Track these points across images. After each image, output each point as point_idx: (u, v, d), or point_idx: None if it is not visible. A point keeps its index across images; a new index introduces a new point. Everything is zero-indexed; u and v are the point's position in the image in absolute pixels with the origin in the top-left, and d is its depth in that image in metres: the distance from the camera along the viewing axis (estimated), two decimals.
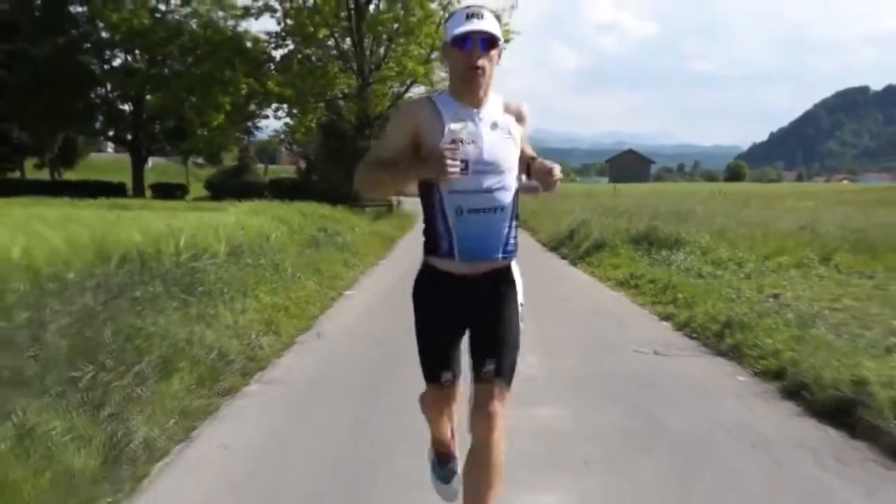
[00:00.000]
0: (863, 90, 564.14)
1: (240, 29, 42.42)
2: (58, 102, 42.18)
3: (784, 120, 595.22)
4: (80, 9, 46.56)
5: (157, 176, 61.96)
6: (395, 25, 36.39)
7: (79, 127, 48.39)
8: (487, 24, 3.00)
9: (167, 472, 4.29)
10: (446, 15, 32.57)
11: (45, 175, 59.07)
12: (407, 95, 37.92)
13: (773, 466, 4.62)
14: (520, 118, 3.23)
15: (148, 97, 45.23)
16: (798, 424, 5.43)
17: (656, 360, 7.49)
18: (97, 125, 49.26)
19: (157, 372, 5.15)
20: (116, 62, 47.00)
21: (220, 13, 43.69)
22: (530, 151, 3.32)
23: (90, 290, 5.44)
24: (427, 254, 3.22)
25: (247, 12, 38.47)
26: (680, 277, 12.28)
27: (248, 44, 40.40)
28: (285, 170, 77.54)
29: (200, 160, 67.34)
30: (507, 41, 34.82)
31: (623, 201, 36.49)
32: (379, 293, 11.66)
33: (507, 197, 3.12)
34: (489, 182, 3.06)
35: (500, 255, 3.16)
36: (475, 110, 3.08)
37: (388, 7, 36.48)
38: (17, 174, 55.88)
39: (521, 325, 3.27)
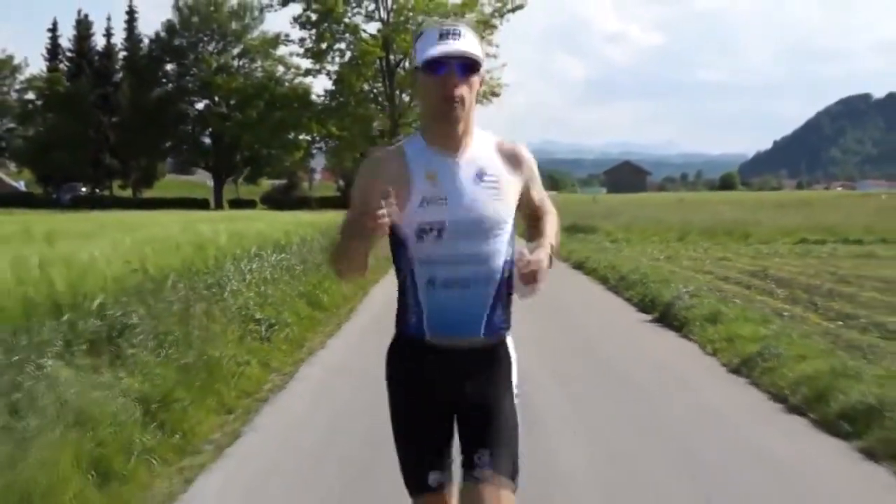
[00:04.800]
0: (865, 98, 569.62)
1: (296, 82, 55.90)
2: (159, 138, 55.68)
3: (790, 128, 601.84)
4: (171, 65, 60.32)
5: (206, 193, 74.83)
6: None
7: (174, 156, 62.15)
8: (466, 45, 2.43)
9: (372, 291, 16.35)
10: None
11: (125, 193, 71.94)
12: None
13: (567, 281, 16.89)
14: (516, 162, 2.59)
15: (240, 137, 58.70)
16: (569, 270, 17.72)
17: None
18: (189, 156, 63.42)
19: None
20: (199, 105, 61.28)
21: (281, 68, 57.60)
22: (541, 208, 2.72)
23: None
24: (397, 325, 2.64)
25: (308, 72, 51.56)
26: (575, 243, 24.47)
27: (311, 96, 53.67)
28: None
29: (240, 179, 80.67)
30: (494, 95, 47.50)
31: (591, 208, 48.47)
32: None
33: (492, 266, 2.51)
34: (470, 249, 2.47)
35: (483, 334, 2.54)
36: (453, 157, 2.50)
37: (413, 69, 49.05)
38: (106, 192, 68.77)
39: (517, 416, 2.64)
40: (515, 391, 2.67)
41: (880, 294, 12.95)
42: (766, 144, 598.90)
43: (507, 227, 2.56)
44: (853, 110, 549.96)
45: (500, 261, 2.53)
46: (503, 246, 2.55)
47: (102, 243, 8.89)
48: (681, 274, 15.38)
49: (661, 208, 47.58)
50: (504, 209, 2.54)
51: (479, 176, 2.51)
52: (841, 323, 9.85)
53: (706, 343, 8.42)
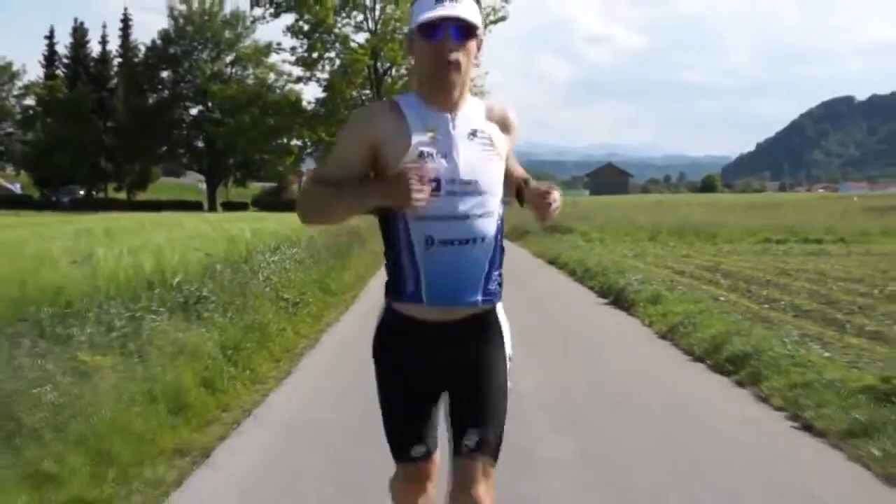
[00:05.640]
0: (847, 100, 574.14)
1: (287, 88, 58.47)
2: (155, 143, 57.95)
3: (773, 130, 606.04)
4: (166, 72, 62.73)
5: (197, 194, 76.84)
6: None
7: (169, 160, 64.57)
8: (463, 9, 2.44)
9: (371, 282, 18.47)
10: None
11: (119, 195, 73.74)
12: None
13: (540, 273, 18.91)
14: (505, 127, 2.64)
15: (234, 142, 61.06)
16: (543, 265, 19.76)
17: (515, 262, 21.81)
18: (184, 160, 65.84)
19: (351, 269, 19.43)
20: (193, 111, 63.75)
21: (272, 75, 60.26)
22: (520, 170, 2.78)
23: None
24: (388, 296, 2.67)
25: (299, 80, 53.99)
26: (551, 242, 26.55)
27: (302, 103, 56.04)
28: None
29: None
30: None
31: (570, 209, 50.47)
32: None
33: (487, 225, 2.53)
34: (466, 206, 2.48)
35: (480, 299, 2.57)
36: (449, 115, 2.52)
37: (399, 77, 51.85)
38: (101, 195, 70.59)
39: (509, 383, 2.72)
40: (509, 360, 2.73)
41: (810, 284, 14.98)
42: (750, 146, 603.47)
43: (500, 187, 2.59)
44: (836, 113, 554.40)
45: (493, 220, 2.57)
46: (496, 206, 2.57)
47: (157, 238, 10.85)
48: (643, 269, 17.36)
49: (636, 209, 49.41)
50: (497, 167, 2.57)
51: (474, 134, 2.53)
52: (767, 305, 11.89)
53: (646, 318, 10.51)
